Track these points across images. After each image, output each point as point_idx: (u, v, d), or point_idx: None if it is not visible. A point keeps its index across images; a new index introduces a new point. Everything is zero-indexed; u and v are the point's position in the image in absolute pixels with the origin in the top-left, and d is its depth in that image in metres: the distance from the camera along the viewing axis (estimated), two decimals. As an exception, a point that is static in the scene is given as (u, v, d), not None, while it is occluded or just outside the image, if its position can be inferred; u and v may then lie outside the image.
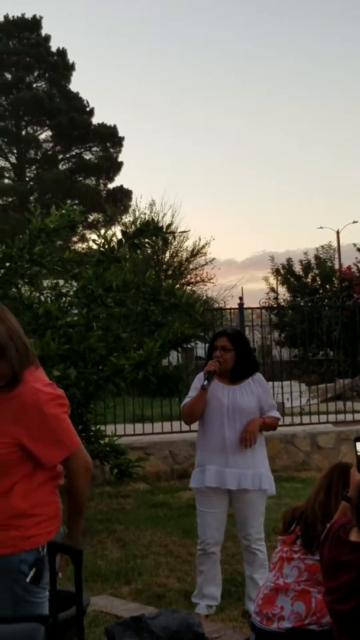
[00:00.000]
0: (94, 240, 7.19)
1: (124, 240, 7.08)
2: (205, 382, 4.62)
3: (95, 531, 6.98)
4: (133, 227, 7.07)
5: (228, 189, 71.57)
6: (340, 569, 3.36)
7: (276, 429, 5.03)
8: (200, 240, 29.28)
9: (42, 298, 7.36)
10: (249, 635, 3.88)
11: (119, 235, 7.56)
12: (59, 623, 2.58)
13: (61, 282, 7.70)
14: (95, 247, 7.38)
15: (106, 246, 7.09)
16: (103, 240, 7.16)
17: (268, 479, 4.71)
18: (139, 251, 7.59)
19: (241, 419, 4.63)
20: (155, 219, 7.23)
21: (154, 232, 7.04)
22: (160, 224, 7.48)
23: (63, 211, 7.35)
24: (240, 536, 4.78)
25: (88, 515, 7.63)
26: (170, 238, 7.57)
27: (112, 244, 7.07)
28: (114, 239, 7.20)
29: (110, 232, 7.40)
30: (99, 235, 7.32)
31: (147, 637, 3.66)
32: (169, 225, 7.23)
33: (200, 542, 4.75)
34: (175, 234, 7.02)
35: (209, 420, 4.72)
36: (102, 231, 7.30)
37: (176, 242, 26.53)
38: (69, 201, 7.72)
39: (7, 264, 7.01)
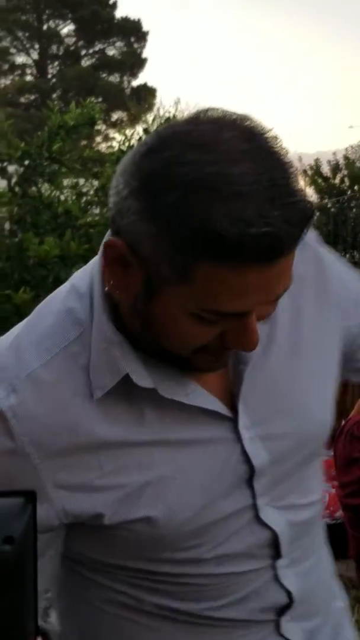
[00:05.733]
0: (113, 138, 7.07)
1: (144, 137, 6.93)
2: None
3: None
4: (154, 124, 6.92)
5: (256, 86, 69.59)
6: (353, 465, 3.42)
7: None
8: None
9: (62, 197, 7.30)
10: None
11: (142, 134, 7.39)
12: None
13: (81, 181, 7.61)
14: (115, 145, 7.25)
15: (127, 144, 6.96)
16: (123, 138, 7.03)
17: None
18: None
19: None
20: (179, 117, 7.05)
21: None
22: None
23: (84, 107, 7.19)
24: None
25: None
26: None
27: (132, 142, 6.94)
28: (134, 136, 7.06)
29: (131, 131, 7.25)
30: (121, 134, 7.18)
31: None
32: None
33: None
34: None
35: None
36: (126, 130, 7.16)
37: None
38: (90, 98, 7.54)
39: (26, 162, 6.91)
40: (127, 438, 1.02)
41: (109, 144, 33.59)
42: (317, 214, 17.12)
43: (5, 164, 6.97)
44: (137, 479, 1.04)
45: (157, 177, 0.89)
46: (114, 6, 39.20)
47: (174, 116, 7.16)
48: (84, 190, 7.38)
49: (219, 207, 0.85)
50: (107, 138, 35.66)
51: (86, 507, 1.04)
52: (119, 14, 39.36)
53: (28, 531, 0.84)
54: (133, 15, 39.74)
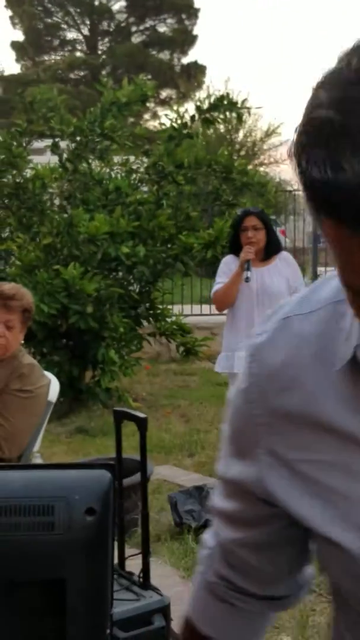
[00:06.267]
0: (166, 115, 7.03)
1: (196, 115, 6.88)
2: (249, 273, 4.44)
3: (160, 406, 7.17)
4: (207, 102, 6.85)
5: (308, 66, 68.58)
6: None
7: None
8: (275, 119, 28.41)
9: (112, 174, 7.31)
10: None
11: (192, 112, 7.35)
12: (125, 488, 2.68)
13: (132, 158, 7.61)
14: (166, 122, 7.21)
15: (178, 121, 6.92)
16: (175, 116, 6.98)
17: None
18: (212, 129, 7.41)
19: (271, 303, 4.43)
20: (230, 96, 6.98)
21: (228, 107, 6.81)
22: (235, 100, 7.22)
23: (137, 84, 7.17)
24: None
25: (153, 390, 7.83)
26: (244, 115, 7.30)
27: (184, 120, 6.90)
28: (186, 114, 7.02)
29: (182, 108, 7.19)
30: (172, 110, 7.14)
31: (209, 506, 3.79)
32: (244, 100, 6.97)
33: None
34: (250, 109, 6.73)
35: (238, 304, 4.61)
36: (176, 107, 7.12)
37: (250, 121, 25.78)
38: (140, 75, 7.52)
39: (78, 138, 6.92)
40: (349, 429, 0.84)
41: (157, 121, 33.56)
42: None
43: (57, 139, 6.99)
44: (337, 484, 0.85)
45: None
46: (165, -18, 38.86)
47: (227, 94, 7.08)
48: (134, 167, 7.38)
49: (324, 143, 0.66)
50: (155, 115, 35.57)
51: (280, 491, 0.90)
52: (170, -10, 38.89)
53: (107, 503, 0.84)
54: (184, -8, 39.22)
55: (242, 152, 25.24)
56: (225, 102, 6.83)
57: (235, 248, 4.64)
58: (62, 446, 5.87)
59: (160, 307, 7.26)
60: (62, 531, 0.82)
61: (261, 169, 23.90)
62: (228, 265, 4.65)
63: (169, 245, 6.81)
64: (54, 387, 3.46)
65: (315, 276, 9.79)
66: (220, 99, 6.85)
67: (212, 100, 6.91)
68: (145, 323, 7.21)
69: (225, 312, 4.85)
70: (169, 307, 7.67)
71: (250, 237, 4.50)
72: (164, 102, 36.09)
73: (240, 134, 26.81)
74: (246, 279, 4.45)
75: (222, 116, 7.11)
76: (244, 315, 4.57)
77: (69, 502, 0.82)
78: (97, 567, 0.86)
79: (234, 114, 7.13)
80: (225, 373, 4.80)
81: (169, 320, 7.24)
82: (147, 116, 34.32)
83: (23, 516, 0.81)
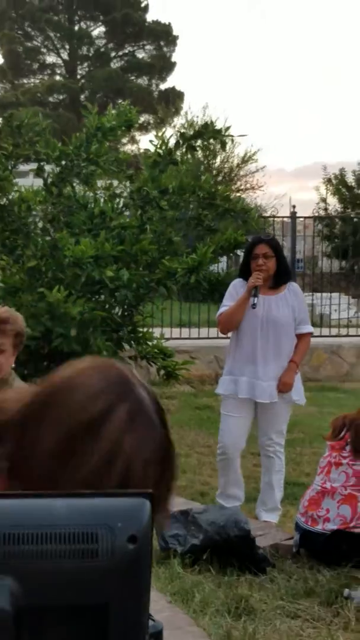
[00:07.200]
0: (150, 141, 7.08)
1: (181, 142, 6.95)
2: (256, 300, 4.45)
3: (140, 429, 7.14)
4: (189, 129, 6.91)
5: (283, 94, 69.46)
6: None
7: (309, 345, 4.80)
8: (252, 146, 28.69)
9: (96, 198, 7.34)
10: (293, 535, 4.01)
11: (173, 138, 7.42)
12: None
13: (115, 182, 7.65)
14: (150, 148, 7.26)
15: (163, 147, 6.97)
16: (160, 142, 7.03)
17: (298, 391, 4.64)
18: (190, 155, 7.50)
19: (275, 330, 4.53)
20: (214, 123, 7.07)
21: (212, 134, 6.89)
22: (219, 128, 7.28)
23: (120, 109, 7.23)
24: (261, 441, 4.70)
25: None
26: (227, 141, 7.38)
27: (168, 146, 6.95)
28: (171, 140, 7.08)
29: (167, 135, 7.25)
30: (156, 137, 7.20)
31: (194, 530, 3.80)
32: (228, 128, 7.05)
33: (221, 446, 4.69)
34: (234, 137, 6.79)
35: (242, 329, 4.61)
36: (158, 133, 7.17)
37: (228, 148, 25.97)
38: (120, 101, 7.59)
39: (63, 162, 6.95)
40: None
41: (135, 146, 33.73)
42: (341, 223, 17.09)
43: (42, 163, 7.02)
44: None
45: None
46: (145, 9, 39.25)
47: (211, 122, 7.16)
48: (118, 191, 7.42)
49: None
50: (133, 140, 35.75)
51: None
52: (150, 17, 39.35)
53: (147, 531, 0.86)
54: (164, 19, 39.76)
55: (219, 178, 25.42)
56: (209, 130, 6.90)
57: (245, 273, 4.65)
58: (44, 470, 5.83)
59: (142, 330, 7.27)
60: (106, 558, 0.82)
61: (237, 194, 24.09)
62: (236, 288, 4.66)
63: (152, 270, 6.85)
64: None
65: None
66: (205, 126, 6.93)
67: (195, 127, 6.99)
68: (126, 346, 7.22)
69: (225, 335, 4.89)
70: (151, 330, 7.68)
71: (261, 264, 4.52)
72: (142, 127, 36.33)
73: (218, 160, 27.03)
74: (253, 305, 4.45)
75: (204, 143, 7.20)
76: (249, 341, 4.58)
77: (112, 530, 0.83)
78: (137, 593, 0.87)
79: (211, 141, 7.21)
80: (221, 395, 4.77)
81: (150, 343, 7.26)
82: (124, 140, 34.48)
83: (67, 544, 0.82)
